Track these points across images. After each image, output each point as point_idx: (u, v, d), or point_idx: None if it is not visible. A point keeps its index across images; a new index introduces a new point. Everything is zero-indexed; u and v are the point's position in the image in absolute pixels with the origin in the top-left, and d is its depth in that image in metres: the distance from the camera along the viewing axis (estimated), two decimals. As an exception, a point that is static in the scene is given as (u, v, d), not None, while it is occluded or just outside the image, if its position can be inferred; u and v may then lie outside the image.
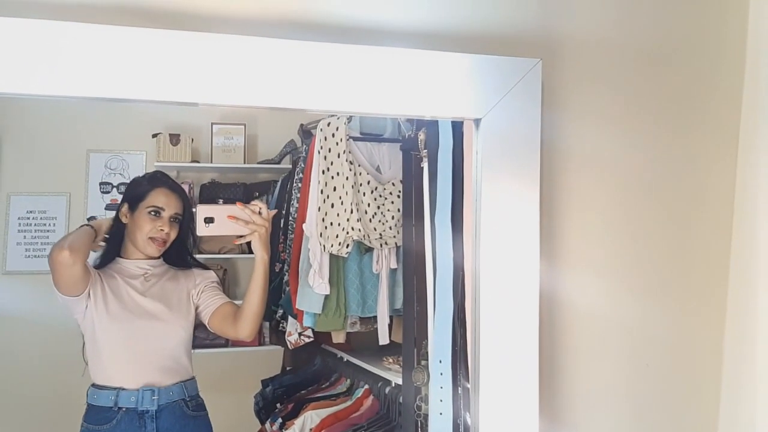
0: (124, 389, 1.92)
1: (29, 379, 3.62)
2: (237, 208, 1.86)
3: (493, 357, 1.01)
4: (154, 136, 3.74)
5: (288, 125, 3.91)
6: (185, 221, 2.07)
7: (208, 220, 1.85)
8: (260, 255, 1.89)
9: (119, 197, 3.85)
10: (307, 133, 3.70)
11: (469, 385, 1.43)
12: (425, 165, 1.57)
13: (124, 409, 1.91)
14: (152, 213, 2.00)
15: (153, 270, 2.06)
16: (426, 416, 1.57)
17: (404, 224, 1.65)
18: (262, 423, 2.68)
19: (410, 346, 1.62)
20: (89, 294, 1.94)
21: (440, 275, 1.53)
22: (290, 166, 3.58)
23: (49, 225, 3.72)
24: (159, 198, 2.02)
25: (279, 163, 3.87)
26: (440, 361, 1.51)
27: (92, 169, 3.79)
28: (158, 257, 2.08)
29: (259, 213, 1.86)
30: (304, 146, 2.66)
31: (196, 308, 2.06)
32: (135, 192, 2.07)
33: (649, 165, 1.41)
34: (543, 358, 1.13)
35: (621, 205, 1.37)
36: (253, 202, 1.88)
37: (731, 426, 1.11)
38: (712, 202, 1.43)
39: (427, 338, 1.61)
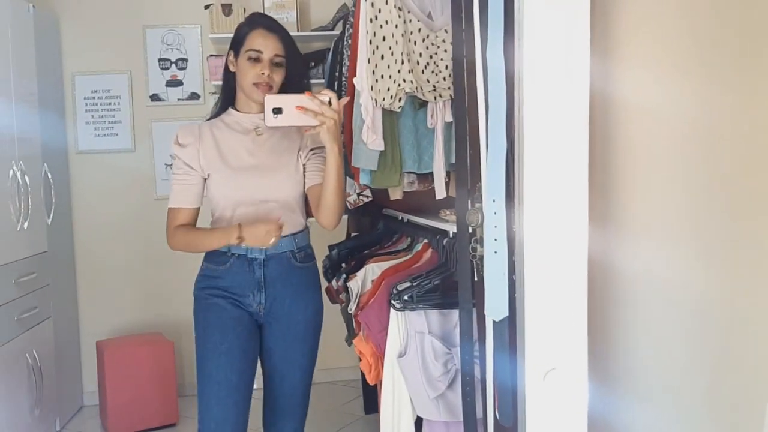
0: None
1: (110, 246, 3.84)
2: (306, 98, 1.78)
3: (540, 154, 0.94)
4: (207, 7, 3.68)
5: (340, -11, 3.78)
6: (291, 64, 1.99)
7: (277, 111, 1.79)
8: (330, 147, 1.82)
9: (179, 73, 3.87)
10: (357, -6, 3.56)
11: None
12: (474, -4, 1.46)
13: (236, 255, 1.99)
14: (252, 58, 1.94)
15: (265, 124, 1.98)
16: (481, 257, 1.56)
17: (454, 62, 1.57)
18: (329, 282, 2.77)
19: (464, 190, 1.58)
20: (203, 167, 1.99)
21: (493, 113, 1.47)
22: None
23: (114, 104, 3.80)
24: (256, 40, 1.95)
25: (333, 29, 3.77)
26: (494, 201, 1.47)
27: (149, 46, 3.80)
28: None
29: (329, 103, 1.78)
30: (352, 8, 2.54)
31: (303, 169, 2.02)
32: (235, 37, 2.02)
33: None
34: (594, 157, 1.04)
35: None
36: (323, 91, 1.80)
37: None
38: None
39: (480, 181, 1.57)
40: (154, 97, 3.85)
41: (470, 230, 1.64)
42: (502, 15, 1.42)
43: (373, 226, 3.09)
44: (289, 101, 1.79)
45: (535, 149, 0.93)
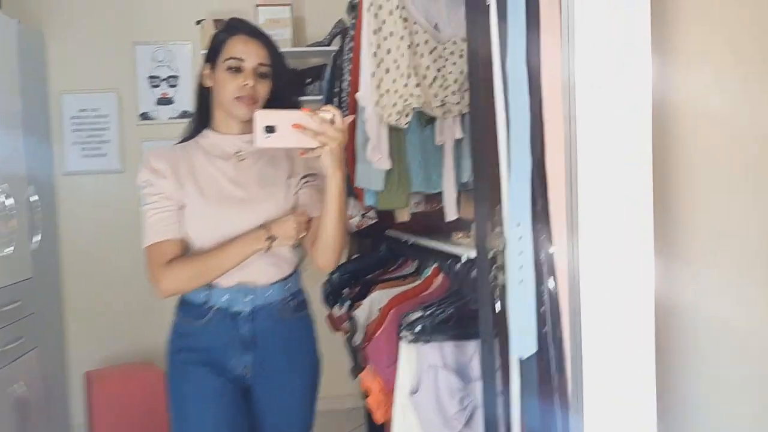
0: (216, 287, 1.67)
1: (99, 272, 3.69)
2: (304, 115, 1.51)
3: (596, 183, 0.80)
4: (198, 22, 3.56)
5: (336, 3, 3.67)
6: (277, 74, 1.71)
7: (269, 129, 1.52)
8: (332, 173, 1.55)
9: (169, 91, 3.74)
10: (353, 7, 3.45)
11: (553, 249, 1.27)
12: (492, 1, 1.35)
13: (216, 308, 1.67)
14: (232, 68, 1.65)
15: (248, 147, 1.69)
16: (503, 287, 1.43)
17: (470, 75, 1.45)
18: (330, 308, 2.62)
19: (483, 213, 1.45)
20: (179, 197, 1.68)
21: (515, 130, 1.34)
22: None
23: (102, 123, 3.66)
24: (236, 47, 1.67)
25: (329, 44, 3.66)
26: (518, 225, 1.35)
27: (139, 63, 3.67)
28: None
29: (332, 121, 1.51)
30: (352, 21, 2.41)
31: (295, 200, 1.73)
32: (212, 46, 1.73)
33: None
34: (657, 184, 0.89)
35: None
36: (324, 108, 1.53)
37: None
38: None
39: (500, 203, 1.44)
40: (144, 116, 3.72)
41: (490, 256, 1.51)
42: (524, 23, 1.30)
43: (375, 248, 2.95)
44: (285, 118, 1.53)
45: (593, 168, 0.80)
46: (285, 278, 1.73)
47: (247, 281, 1.68)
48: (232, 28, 1.73)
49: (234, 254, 1.63)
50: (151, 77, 3.70)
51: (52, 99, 3.61)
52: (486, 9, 1.38)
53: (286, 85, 1.75)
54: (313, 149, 1.53)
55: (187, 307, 1.73)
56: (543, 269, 1.30)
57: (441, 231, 2.31)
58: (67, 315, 3.66)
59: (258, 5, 3.65)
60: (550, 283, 1.29)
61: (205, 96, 1.76)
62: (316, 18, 3.85)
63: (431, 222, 2.37)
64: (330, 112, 1.52)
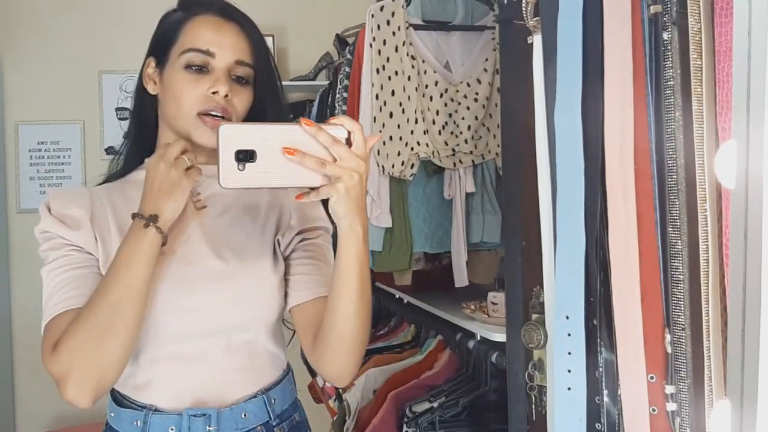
0: (157, 410, 1.05)
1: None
2: (301, 131, 0.87)
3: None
4: (172, 51, 3.31)
5: (322, 36, 3.45)
6: (264, 78, 1.10)
7: (244, 156, 0.87)
8: (348, 227, 0.92)
9: (139, 124, 3.44)
10: (343, 42, 3.22)
11: (616, 356, 1.01)
12: (536, 39, 1.10)
13: None
14: (193, 66, 1.04)
15: (212, 187, 1.09)
16: (542, 388, 1.16)
17: (503, 129, 1.20)
18: (313, 375, 2.32)
19: (516, 295, 1.19)
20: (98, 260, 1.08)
21: (564, 198, 1.08)
22: (326, 83, 3.14)
23: (64, 156, 3.34)
24: (201, 34, 1.05)
25: (314, 79, 3.43)
26: (567, 318, 1.08)
27: (106, 93, 3.37)
28: None
29: (348, 142, 0.88)
30: (346, 55, 2.15)
31: (286, 270, 1.12)
32: (162, 31, 1.10)
33: None
34: None
35: None
36: (334, 120, 0.89)
37: None
38: None
39: (539, 285, 1.18)
40: (110, 150, 3.40)
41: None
42: (581, 66, 1.05)
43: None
44: (270, 138, 0.88)
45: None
46: (268, 389, 1.10)
47: (205, 400, 1.06)
48: (194, 3, 1.09)
49: (120, 271, 0.97)
50: (119, 109, 3.41)
51: (8, 130, 3.29)
52: (527, 48, 1.13)
53: (274, 102, 1.12)
54: (317, 189, 0.89)
55: None
56: (601, 376, 1.03)
57: (441, 289, 2.04)
58: (18, 370, 3.29)
59: (238, 35, 3.40)
60: (606, 397, 1.02)
61: (147, 108, 1.12)
62: (300, 50, 3.61)
63: (428, 278, 2.11)
64: (343, 126, 0.89)
